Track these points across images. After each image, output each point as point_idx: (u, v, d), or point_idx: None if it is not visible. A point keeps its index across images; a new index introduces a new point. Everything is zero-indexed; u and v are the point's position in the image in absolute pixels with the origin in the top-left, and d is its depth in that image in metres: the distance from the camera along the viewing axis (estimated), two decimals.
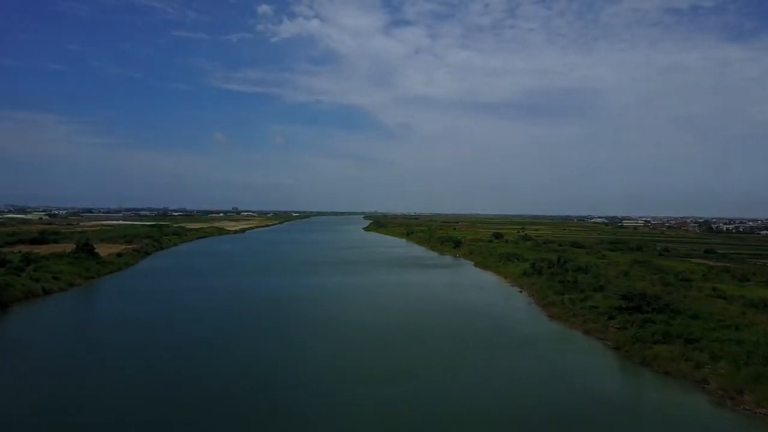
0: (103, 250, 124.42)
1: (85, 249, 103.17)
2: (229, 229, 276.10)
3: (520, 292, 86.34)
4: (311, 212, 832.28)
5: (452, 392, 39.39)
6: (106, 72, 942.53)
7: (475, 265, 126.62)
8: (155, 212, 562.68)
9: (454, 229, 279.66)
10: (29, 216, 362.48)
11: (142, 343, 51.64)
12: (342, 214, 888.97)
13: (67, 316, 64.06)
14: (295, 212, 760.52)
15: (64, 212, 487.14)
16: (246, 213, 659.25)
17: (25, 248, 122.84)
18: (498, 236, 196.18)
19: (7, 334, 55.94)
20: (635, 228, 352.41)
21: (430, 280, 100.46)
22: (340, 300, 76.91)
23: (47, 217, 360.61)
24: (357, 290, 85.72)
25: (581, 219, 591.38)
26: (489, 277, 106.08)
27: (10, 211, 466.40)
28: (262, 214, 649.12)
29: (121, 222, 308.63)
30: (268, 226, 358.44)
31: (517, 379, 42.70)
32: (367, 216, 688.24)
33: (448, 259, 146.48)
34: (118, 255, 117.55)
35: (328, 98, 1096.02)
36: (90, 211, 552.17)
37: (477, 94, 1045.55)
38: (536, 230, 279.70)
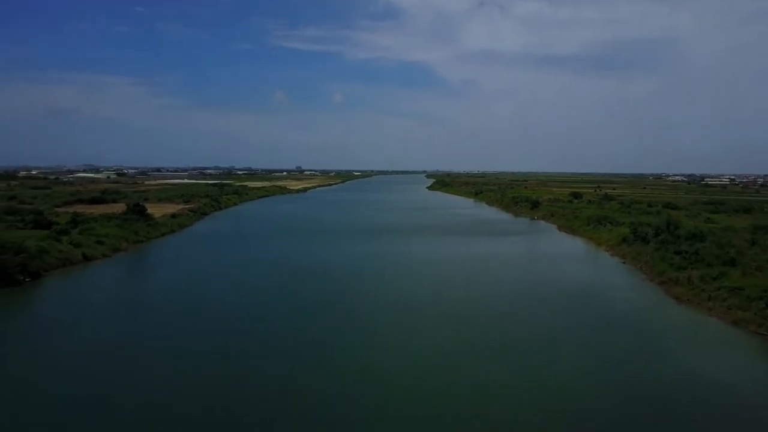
0: (160, 210, 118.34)
1: (136, 210, 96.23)
2: (291, 188, 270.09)
3: (624, 263, 72.97)
4: (373, 171, 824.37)
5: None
6: (171, 33, 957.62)
7: (559, 228, 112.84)
8: (221, 171, 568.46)
9: (525, 188, 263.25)
10: (99, 175, 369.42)
11: (183, 330, 42.47)
12: (404, 172, 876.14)
13: (99, 290, 55.88)
14: (357, 171, 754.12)
15: (133, 171, 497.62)
16: (309, 172, 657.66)
17: (82, 208, 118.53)
18: (577, 196, 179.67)
19: (23, 313, 48.30)
20: (723, 187, 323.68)
21: (516, 249, 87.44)
22: (423, 278, 64.43)
23: (116, 176, 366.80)
24: (440, 264, 73.08)
25: (657, 177, 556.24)
26: (580, 244, 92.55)
27: (84, 171, 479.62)
28: (324, 173, 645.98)
29: (185, 181, 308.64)
30: (330, 185, 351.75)
31: (688, 414, 30.65)
32: (429, 175, 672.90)
33: (525, 221, 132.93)
34: (173, 216, 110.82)
35: (389, 55, 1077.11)
36: (159, 170, 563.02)
37: (544, 48, 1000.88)
38: (613, 189, 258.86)
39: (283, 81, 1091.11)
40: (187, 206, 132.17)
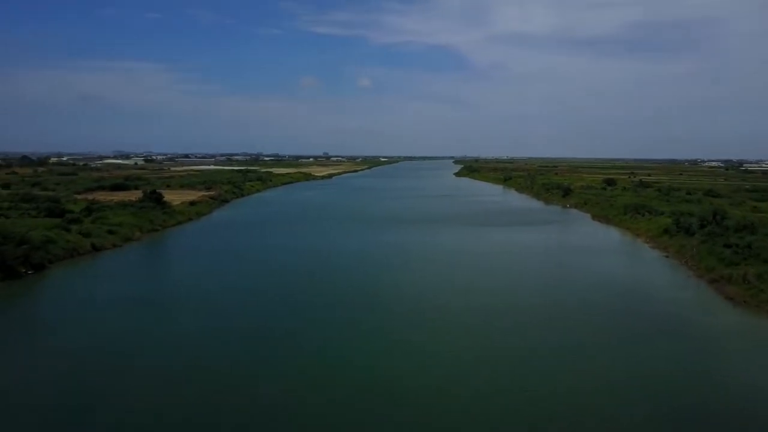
0: (180, 197, 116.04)
1: (152, 197, 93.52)
2: (316, 174, 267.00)
3: (666, 257, 67.39)
4: (400, 157, 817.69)
5: None
6: (200, 19, 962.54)
7: (593, 218, 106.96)
8: (248, 157, 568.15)
9: (556, 174, 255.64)
10: (127, 161, 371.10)
11: (180, 332, 38.92)
12: (431, 158, 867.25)
13: (100, 285, 52.62)
14: (384, 157, 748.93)
15: (162, 157, 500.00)
16: (336, 158, 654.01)
17: (103, 195, 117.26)
18: (611, 183, 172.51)
19: (15, 309, 45.35)
20: (765, 173, 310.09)
21: (548, 240, 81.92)
22: (446, 273, 59.85)
23: (143, 162, 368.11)
24: (466, 257, 68.07)
25: (692, 162, 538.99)
26: (615, 235, 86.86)
27: (115, 157, 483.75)
28: (351, 159, 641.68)
29: (211, 167, 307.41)
30: (355, 171, 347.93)
31: None
32: (457, 161, 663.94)
33: (556, 210, 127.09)
34: (191, 203, 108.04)
35: (417, 39, 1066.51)
36: (187, 156, 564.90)
37: (575, 30, 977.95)
38: (648, 175, 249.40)
39: (311, 66, 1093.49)
40: (207, 193, 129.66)
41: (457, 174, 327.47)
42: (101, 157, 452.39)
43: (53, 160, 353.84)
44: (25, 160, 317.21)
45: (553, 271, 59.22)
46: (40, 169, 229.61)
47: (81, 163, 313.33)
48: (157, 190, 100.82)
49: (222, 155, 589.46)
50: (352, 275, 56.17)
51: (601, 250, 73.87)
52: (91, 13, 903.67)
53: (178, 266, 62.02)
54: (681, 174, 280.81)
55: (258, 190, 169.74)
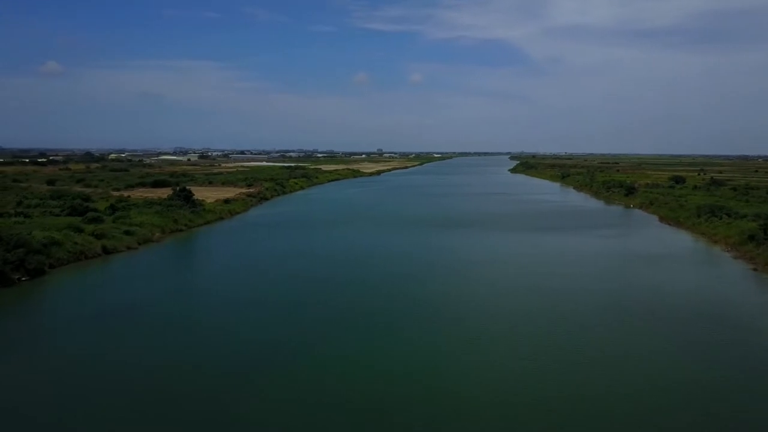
0: (217, 194, 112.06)
1: (181, 195, 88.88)
2: (363, 171, 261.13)
3: (754, 270, 56.79)
4: (454, 153, 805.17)
5: None
6: (256, 17, 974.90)
7: (661, 220, 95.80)
8: (303, 154, 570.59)
9: (617, 171, 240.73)
10: (181, 158, 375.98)
11: (174, 365, 32.69)
12: (486, 154, 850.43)
13: (100, 296, 47.23)
14: (437, 153, 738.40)
15: (217, 154, 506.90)
16: (388, 155, 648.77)
17: (143, 192, 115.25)
18: (679, 180, 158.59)
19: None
20: None
21: (610, 247, 71.85)
22: (491, 289, 52.63)
23: (197, 159, 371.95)
24: (514, 268, 59.78)
25: (767, 159, 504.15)
26: (688, 242, 76.09)
27: (174, 153, 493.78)
28: (404, 155, 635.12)
29: (263, 163, 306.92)
30: (406, 168, 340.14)
31: None
32: (513, 156, 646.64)
33: (618, 210, 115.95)
34: (225, 201, 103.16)
35: (471, 33, 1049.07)
36: (243, 152, 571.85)
37: (637, 21, 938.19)
38: (719, 173, 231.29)
39: (364, 62, 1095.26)
40: (246, 191, 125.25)
41: (512, 170, 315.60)
42: (160, 154, 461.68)
43: (112, 156, 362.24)
44: (87, 157, 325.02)
45: (618, 287, 49.97)
46: (94, 165, 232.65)
47: (137, 160, 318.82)
48: (187, 187, 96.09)
49: (277, 152, 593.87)
50: (374, 293, 48.92)
51: (673, 260, 63.28)
52: (151, 14, 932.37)
53: (187, 273, 56.70)
54: (756, 171, 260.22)
55: (302, 188, 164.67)
